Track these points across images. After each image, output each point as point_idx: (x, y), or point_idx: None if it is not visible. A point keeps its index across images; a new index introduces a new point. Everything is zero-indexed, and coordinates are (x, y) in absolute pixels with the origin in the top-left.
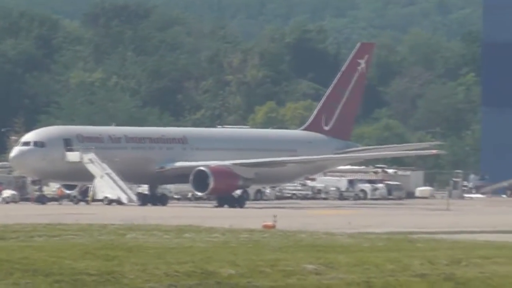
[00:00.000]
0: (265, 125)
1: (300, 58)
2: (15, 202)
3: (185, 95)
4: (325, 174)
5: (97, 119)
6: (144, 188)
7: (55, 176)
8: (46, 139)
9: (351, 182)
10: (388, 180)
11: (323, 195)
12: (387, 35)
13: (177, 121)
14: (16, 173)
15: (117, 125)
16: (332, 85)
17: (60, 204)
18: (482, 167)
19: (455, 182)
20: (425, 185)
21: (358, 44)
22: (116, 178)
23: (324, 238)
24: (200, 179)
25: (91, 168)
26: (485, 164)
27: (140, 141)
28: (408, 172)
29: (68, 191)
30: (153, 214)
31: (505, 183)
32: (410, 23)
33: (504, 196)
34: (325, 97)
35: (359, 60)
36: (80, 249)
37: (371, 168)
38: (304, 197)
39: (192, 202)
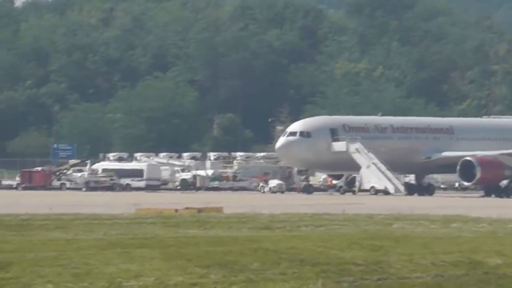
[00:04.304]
0: None
1: None
2: (282, 192)
3: (450, 85)
4: None
5: (362, 109)
6: (411, 178)
7: (321, 166)
8: (313, 129)
9: None
10: None
11: None
12: None
13: (442, 111)
14: (282, 163)
15: (383, 115)
16: None
17: (331, 194)
18: None
19: None
20: None
21: None
22: (383, 168)
23: None
24: (466, 169)
25: (358, 158)
26: None
27: (406, 131)
28: None
29: (334, 181)
30: (420, 204)
31: None
32: None
33: None
34: None
35: None
36: (346, 239)
37: None
38: None
39: (459, 192)
